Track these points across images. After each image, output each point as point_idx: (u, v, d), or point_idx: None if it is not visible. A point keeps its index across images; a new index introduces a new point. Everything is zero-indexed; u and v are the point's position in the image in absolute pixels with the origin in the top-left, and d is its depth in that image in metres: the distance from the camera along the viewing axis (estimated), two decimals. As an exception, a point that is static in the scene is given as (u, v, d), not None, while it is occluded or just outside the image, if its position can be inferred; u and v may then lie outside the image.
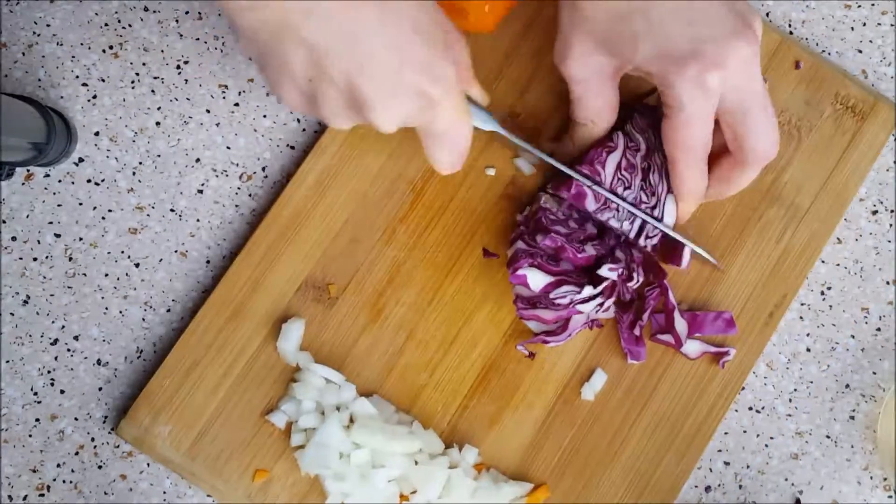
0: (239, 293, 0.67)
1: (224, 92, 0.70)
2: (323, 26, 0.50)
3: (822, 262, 0.71)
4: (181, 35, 0.71)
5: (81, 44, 0.70)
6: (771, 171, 0.70)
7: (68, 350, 0.68)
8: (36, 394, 0.67)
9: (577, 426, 0.67)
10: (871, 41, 0.73)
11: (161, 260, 0.69)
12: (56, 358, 0.68)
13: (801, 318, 0.70)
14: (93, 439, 0.67)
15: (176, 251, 0.69)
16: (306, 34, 0.50)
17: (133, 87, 0.70)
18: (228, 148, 0.70)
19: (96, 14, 0.70)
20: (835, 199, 0.70)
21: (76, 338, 0.68)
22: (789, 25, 0.73)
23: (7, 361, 0.67)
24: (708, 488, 0.69)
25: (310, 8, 0.50)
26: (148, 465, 0.67)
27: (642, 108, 0.66)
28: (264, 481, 0.65)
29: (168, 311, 0.68)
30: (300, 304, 0.67)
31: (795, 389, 0.70)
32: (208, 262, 0.69)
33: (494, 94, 0.69)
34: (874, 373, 0.70)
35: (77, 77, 0.70)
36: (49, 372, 0.67)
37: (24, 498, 0.66)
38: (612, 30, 0.59)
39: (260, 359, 0.66)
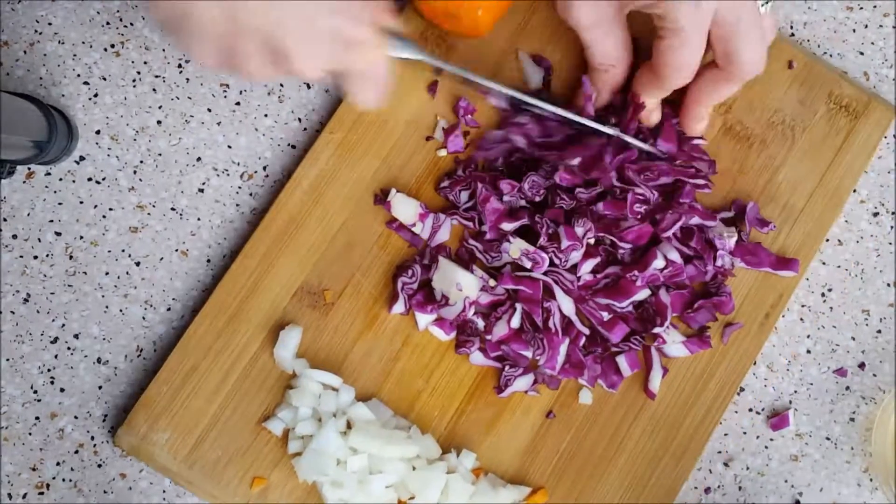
0: (236, 298, 0.66)
1: (225, 91, 0.70)
2: None
3: (823, 263, 0.71)
4: (183, 34, 0.71)
5: (83, 42, 0.70)
6: (765, 172, 0.70)
7: (68, 348, 0.68)
8: (36, 392, 0.67)
9: (574, 429, 0.67)
10: (872, 43, 0.73)
11: (162, 259, 0.69)
12: (56, 356, 0.67)
13: (801, 319, 0.70)
14: (92, 438, 0.67)
15: (176, 250, 0.69)
16: None
17: (134, 86, 0.70)
18: (229, 147, 0.70)
19: (98, 12, 0.70)
20: (829, 198, 0.70)
21: (76, 336, 0.68)
22: (791, 27, 0.73)
23: (7, 359, 0.67)
24: (707, 490, 0.69)
25: None
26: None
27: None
28: (262, 489, 0.65)
29: (168, 309, 0.68)
30: (296, 310, 0.67)
31: (795, 391, 0.70)
32: (209, 260, 0.69)
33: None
34: (874, 375, 0.70)
35: (78, 75, 0.70)
36: (49, 370, 0.67)
37: (24, 496, 0.66)
38: None
39: (257, 365, 0.66)
